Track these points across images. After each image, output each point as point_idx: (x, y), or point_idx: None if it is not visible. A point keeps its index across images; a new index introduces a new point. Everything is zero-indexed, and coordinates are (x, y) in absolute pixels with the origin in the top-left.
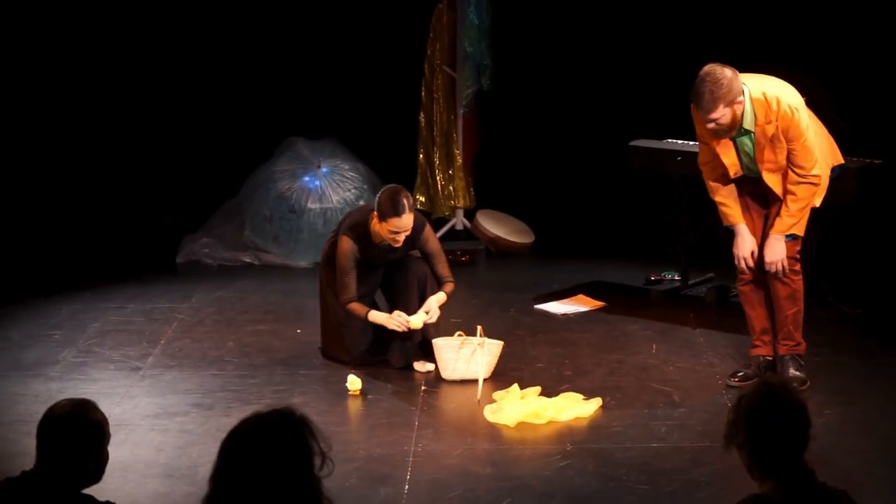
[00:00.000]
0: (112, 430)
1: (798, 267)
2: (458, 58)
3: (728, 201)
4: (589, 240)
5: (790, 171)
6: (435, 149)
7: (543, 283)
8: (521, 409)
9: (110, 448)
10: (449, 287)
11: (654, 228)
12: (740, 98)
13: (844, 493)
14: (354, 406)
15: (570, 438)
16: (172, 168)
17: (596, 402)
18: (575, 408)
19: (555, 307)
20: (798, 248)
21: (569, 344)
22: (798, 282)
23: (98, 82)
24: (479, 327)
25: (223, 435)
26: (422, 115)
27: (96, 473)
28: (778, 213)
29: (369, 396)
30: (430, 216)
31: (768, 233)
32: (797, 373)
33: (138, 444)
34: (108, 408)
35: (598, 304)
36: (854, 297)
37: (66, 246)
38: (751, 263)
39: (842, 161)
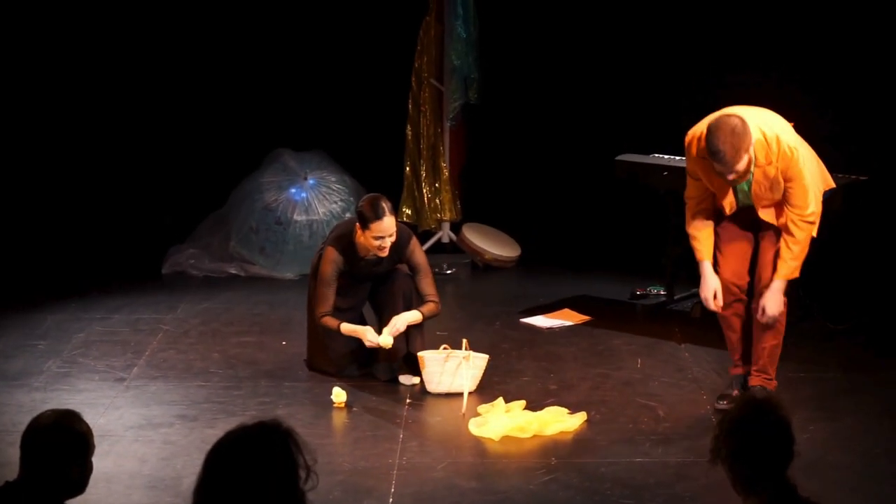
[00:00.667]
0: (96, 440)
1: (785, 300)
2: (445, 71)
3: (700, 236)
4: (575, 254)
5: (787, 211)
6: (422, 161)
7: (529, 296)
8: (505, 422)
9: (94, 459)
10: (430, 307)
11: (641, 243)
12: (753, 140)
13: None
14: (339, 418)
15: (554, 452)
16: (159, 178)
17: (581, 417)
18: (560, 422)
19: (540, 321)
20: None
21: (554, 358)
22: (783, 315)
23: (83, 94)
24: (464, 340)
25: (207, 446)
26: (409, 127)
27: (80, 484)
28: (770, 241)
29: (354, 409)
30: (416, 229)
31: (764, 276)
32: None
33: (122, 456)
34: (92, 418)
35: (584, 318)
36: (839, 313)
37: (51, 256)
38: (712, 306)
39: (832, 185)
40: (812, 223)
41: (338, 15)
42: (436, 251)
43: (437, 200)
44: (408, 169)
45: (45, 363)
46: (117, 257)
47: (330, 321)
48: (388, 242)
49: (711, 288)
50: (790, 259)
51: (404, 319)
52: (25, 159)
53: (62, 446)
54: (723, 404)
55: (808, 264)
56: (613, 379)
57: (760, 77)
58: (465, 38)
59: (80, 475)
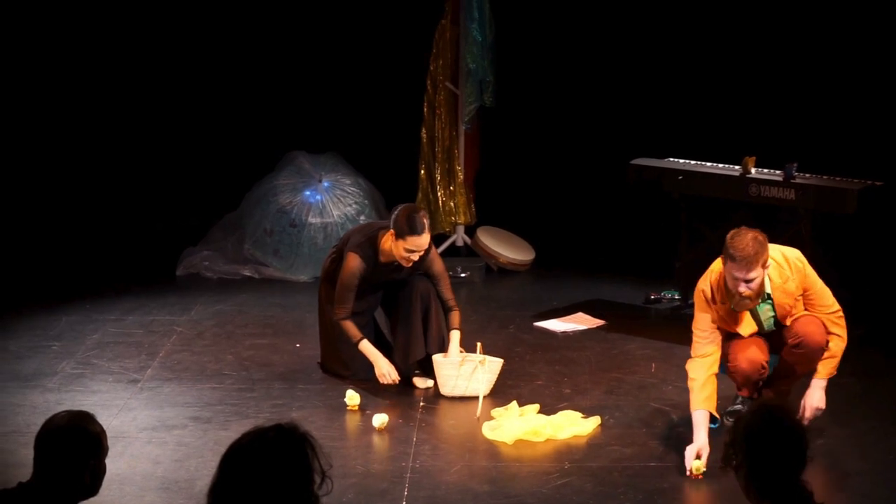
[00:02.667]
0: (110, 442)
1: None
2: (460, 74)
3: (698, 379)
4: (589, 258)
5: (822, 318)
6: (436, 165)
7: (543, 300)
8: (519, 426)
9: (108, 461)
10: (457, 316)
11: (655, 247)
12: (769, 263)
13: None
14: (353, 421)
15: (568, 457)
16: (174, 180)
17: (594, 421)
18: (573, 426)
19: (554, 325)
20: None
21: (568, 362)
22: None
23: (99, 94)
24: (478, 344)
25: (221, 448)
26: (424, 130)
27: (93, 486)
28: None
29: (368, 412)
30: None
31: (810, 379)
32: None
33: (136, 457)
34: (105, 420)
35: (598, 322)
36: (854, 318)
37: (66, 257)
38: (692, 467)
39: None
40: (843, 318)
41: (353, 18)
42: (450, 254)
43: (452, 204)
44: (422, 172)
45: (60, 364)
46: (132, 259)
47: (351, 329)
48: (416, 256)
49: (695, 448)
50: (832, 360)
51: (456, 346)
52: (42, 161)
53: (76, 448)
54: (732, 422)
55: (824, 269)
56: (627, 383)
57: (776, 81)
58: (481, 42)
59: (93, 477)
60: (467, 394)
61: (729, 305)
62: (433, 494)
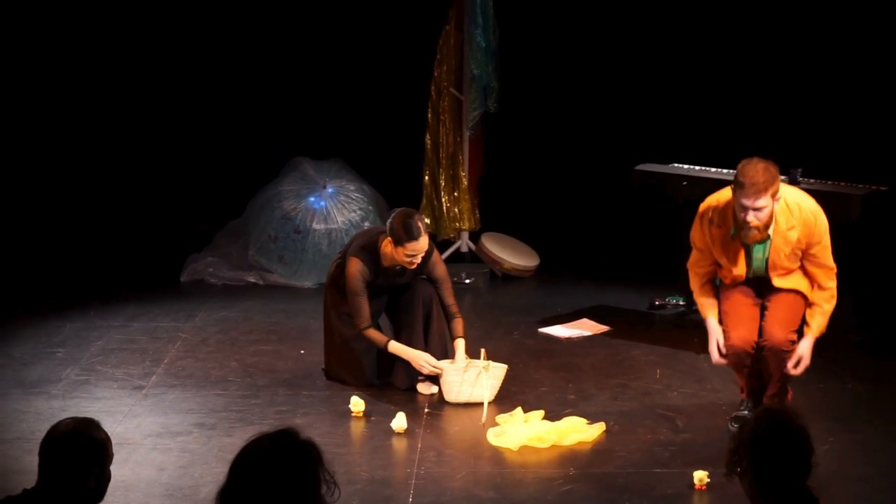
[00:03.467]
0: (114, 449)
1: (795, 337)
2: (464, 80)
3: (706, 294)
4: (594, 263)
5: (815, 270)
6: (441, 171)
7: (548, 306)
8: (524, 432)
9: (112, 467)
10: (460, 324)
11: (660, 253)
12: (779, 196)
13: None
14: (357, 428)
15: (573, 463)
16: (178, 187)
17: (599, 427)
18: (578, 432)
19: (559, 331)
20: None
21: (573, 368)
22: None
23: (105, 101)
24: (482, 350)
25: (226, 455)
26: (428, 136)
27: (98, 493)
28: (780, 301)
29: (372, 418)
30: (435, 238)
31: (774, 333)
32: None
33: (140, 464)
34: (110, 426)
35: (603, 328)
36: (859, 323)
37: (70, 264)
38: (717, 359)
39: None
40: (835, 284)
41: (357, 24)
42: (454, 260)
43: (456, 209)
44: (427, 178)
45: (64, 371)
46: (136, 265)
47: (377, 336)
48: (419, 259)
49: (715, 339)
50: (823, 319)
51: (463, 354)
52: (48, 169)
53: (80, 454)
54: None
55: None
56: (632, 389)
57: (780, 86)
58: (485, 48)
59: (97, 484)
60: (472, 400)
61: (724, 231)
62: (438, 501)
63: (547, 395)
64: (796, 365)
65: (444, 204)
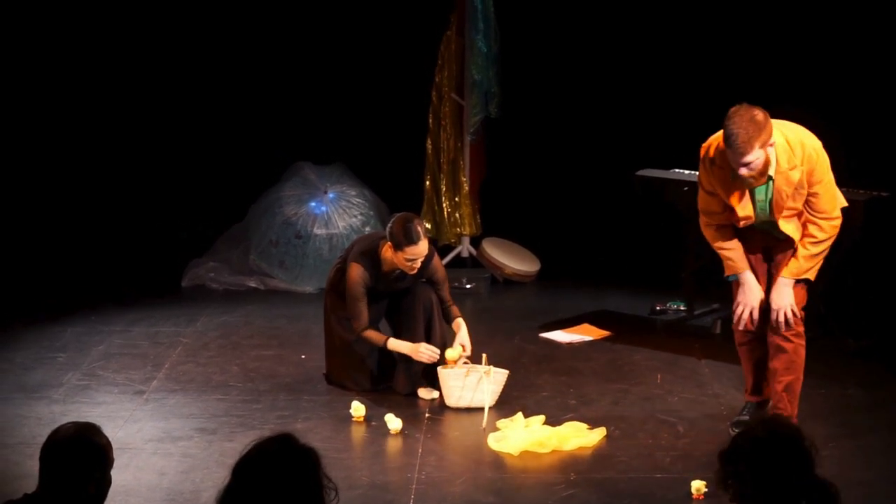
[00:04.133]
0: (115, 454)
1: (801, 329)
2: (465, 85)
3: (731, 249)
4: (595, 269)
5: (810, 215)
6: (442, 176)
7: (549, 311)
8: (525, 437)
9: (113, 472)
10: (457, 310)
11: (661, 258)
12: (772, 141)
13: None
14: (358, 432)
15: (573, 468)
16: (179, 192)
17: (600, 432)
18: (579, 437)
19: (560, 336)
20: (803, 304)
21: (574, 373)
22: (800, 347)
23: (105, 106)
24: (483, 355)
25: (226, 460)
26: (429, 141)
27: (99, 498)
28: (788, 258)
29: (373, 423)
30: (436, 243)
31: (776, 277)
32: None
33: (141, 469)
34: (111, 431)
35: (604, 333)
36: (861, 329)
37: (71, 269)
38: (756, 315)
39: (845, 204)
40: (836, 228)
41: (358, 29)
42: (455, 265)
43: (457, 215)
44: (428, 183)
45: (65, 376)
46: (137, 270)
47: (375, 336)
48: (419, 263)
49: (757, 296)
50: (804, 259)
51: (467, 337)
52: (47, 173)
53: (81, 459)
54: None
55: (830, 280)
56: (633, 394)
57: (782, 92)
58: (486, 53)
59: (98, 489)
60: (473, 405)
61: (725, 172)
62: None
63: (548, 400)
64: (776, 314)
65: (445, 209)
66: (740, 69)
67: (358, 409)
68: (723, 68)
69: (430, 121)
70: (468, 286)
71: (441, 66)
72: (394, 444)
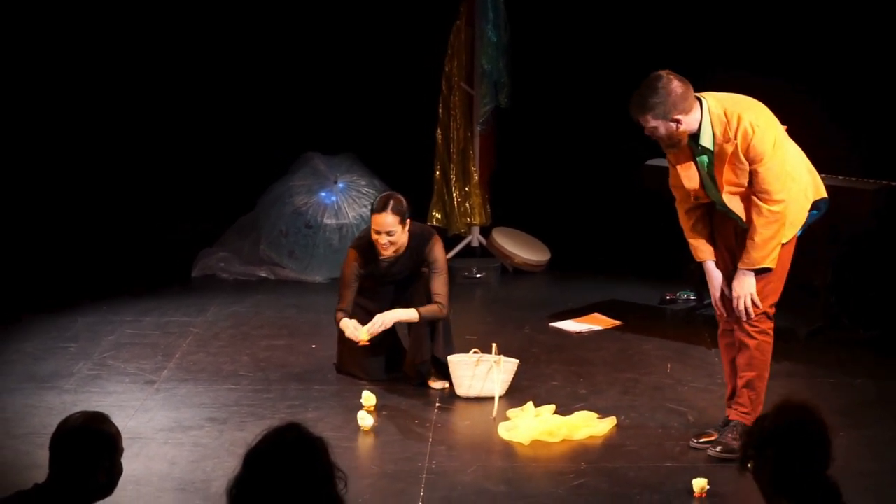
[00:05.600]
0: (126, 443)
1: (768, 327)
2: (475, 75)
3: (696, 237)
4: (605, 258)
5: (753, 199)
6: (451, 165)
7: (559, 301)
8: (535, 427)
9: (124, 461)
10: (431, 308)
11: (670, 248)
12: (678, 116)
13: None
14: (368, 422)
15: (584, 457)
16: (189, 182)
17: (610, 422)
18: (589, 426)
19: (570, 325)
20: (772, 301)
21: (584, 362)
22: (764, 344)
23: (115, 95)
24: (493, 345)
25: (237, 449)
26: (439, 131)
27: (108, 486)
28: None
29: (384, 412)
30: (445, 233)
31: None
32: (733, 442)
33: (152, 458)
34: (122, 421)
35: (614, 322)
36: (869, 319)
37: (81, 259)
38: (720, 307)
39: (824, 195)
40: (777, 212)
41: (368, 19)
42: (465, 255)
43: (467, 204)
44: (438, 173)
45: (76, 365)
46: (147, 260)
47: (338, 318)
48: (385, 240)
49: (718, 286)
50: (752, 249)
51: (392, 316)
52: (58, 163)
53: (90, 448)
54: (697, 443)
55: (838, 269)
56: (643, 384)
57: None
58: (496, 43)
59: (108, 477)
60: (483, 394)
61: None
62: (449, 495)
63: (558, 389)
64: (737, 303)
65: (455, 199)
66: (747, 56)
67: (368, 398)
68: (729, 56)
69: (440, 111)
70: (478, 276)
71: (451, 55)
72: (404, 434)
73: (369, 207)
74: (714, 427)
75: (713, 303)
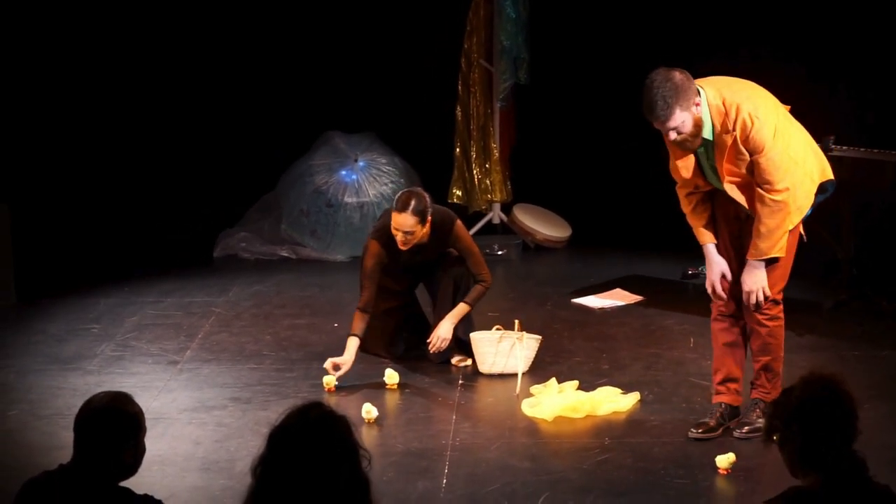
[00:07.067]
0: (150, 423)
1: (778, 311)
2: (494, 52)
3: (697, 220)
4: (626, 234)
5: (756, 189)
6: (472, 143)
7: (580, 277)
8: (558, 403)
9: (148, 441)
10: (476, 291)
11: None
12: (697, 99)
13: (887, 489)
14: (392, 400)
15: (607, 433)
16: (210, 162)
17: (633, 397)
18: (612, 402)
19: (592, 301)
20: (780, 287)
21: (606, 338)
22: (776, 329)
23: (138, 77)
24: (516, 321)
25: (261, 428)
26: (458, 108)
27: (132, 466)
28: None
29: (407, 390)
30: (466, 210)
31: (745, 259)
32: (758, 420)
33: (176, 438)
34: (145, 401)
35: (636, 298)
36: (893, 291)
37: (103, 240)
38: (720, 291)
39: (831, 177)
40: (781, 202)
41: None
42: (486, 232)
43: (488, 181)
44: (458, 150)
45: (99, 347)
46: (169, 241)
47: (355, 322)
48: (402, 238)
49: (718, 271)
50: (759, 239)
51: (448, 327)
52: (81, 144)
53: (114, 428)
54: (697, 432)
55: (861, 242)
56: (666, 359)
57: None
58: (515, 19)
59: (132, 457)
60: (506, 371)
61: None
62: (473, 472)
63: (581, 365)
64: (748, 297)
65: (476, 176)
66: (767, 30)
67: (392, 376)
68: (750, 30)
69: (460, 88)
70: (499, 252)
71: (470, 32)
72: (428, 411)
73: (390, 186)
74: (709, 415)
75: (708, 288)
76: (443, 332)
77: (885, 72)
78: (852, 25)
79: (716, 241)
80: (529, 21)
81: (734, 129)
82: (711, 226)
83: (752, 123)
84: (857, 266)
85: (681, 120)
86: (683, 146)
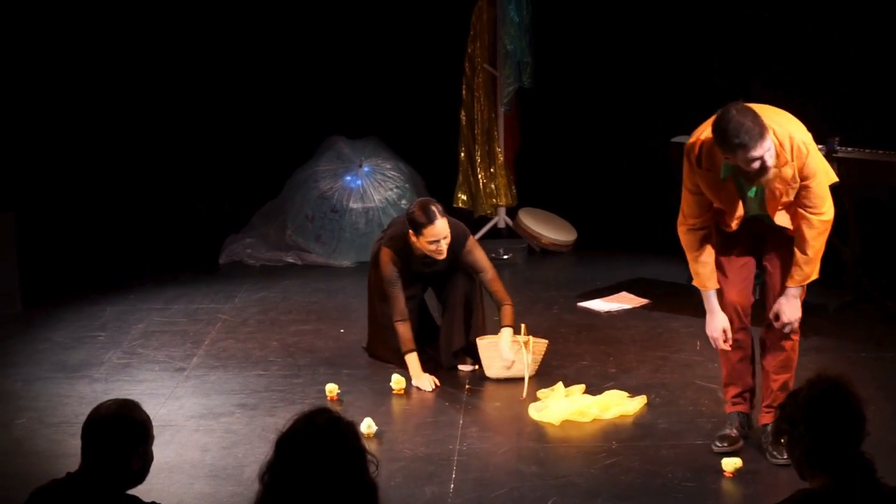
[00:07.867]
0: (157, 431)
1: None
2: (498, 55)
3: (703, 263)
4: (632, 237)
5: (801, 212)
6: (476, 147)
7: (586, 280)
8: (565, 407)
9: (156, 449)
10: (508, 312)
11: None
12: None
13: None
14: (399, 405)
15: (615, 436)
16: (215, 168)
17: (640, 400)
18: (619, 405)
19: (598, 305)
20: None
21: (613, 341)
22: (797, 344)
23: (143, 84)
24: (522, 325)
25: (269, 435)
26: (463, 113)
27: (140, 474)
28: (778, 266)
29: (414, 395)
30: (471, 215)
31: (771, 271)
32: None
33: (184, 445)
34: (153, 409)
35: (642, 301)
36: None
37: (109, 248)
38: (721, 345)
39: (836, 180)
40: (828, 223)
41: (391, 1)
42: (492, 236)
43: (493, 185)
44: (462, 154)
45: (106, 354)
46: (174, 248)
47: (405, 336)
48: (444, 245)
49: (720, 326)
50: (804, 264)
51: (508, 342)
52: (85, 151)
53: (122, 435)
54: (723, 446)
55: (867, 243)
56: (673, 362)
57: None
58: (518, 23)
59: (140, 465)
60: (513, 375)
61: (713, 174)
62: (481, 476)
63: (587, 368)
64: (784, 326)
65: (481, 180)
66: (771, 32)
67: (399, 381)
68: (753, 32)
69: (464, 92)
70: (505, 257)
71: (473, 36)
72: (435, 416)
73: (395, 191)
74: (728, 426)
75: (712, 342)
76: (509, 354)
77: (889, 72)
78: (857, 26)
79: (718, 287)
80: (533, 25)
81: (793, 160)
82: (714, 271)
83: (808, 151)
84: (863, 267)
85: (768, 146)
86: (767, 178)
